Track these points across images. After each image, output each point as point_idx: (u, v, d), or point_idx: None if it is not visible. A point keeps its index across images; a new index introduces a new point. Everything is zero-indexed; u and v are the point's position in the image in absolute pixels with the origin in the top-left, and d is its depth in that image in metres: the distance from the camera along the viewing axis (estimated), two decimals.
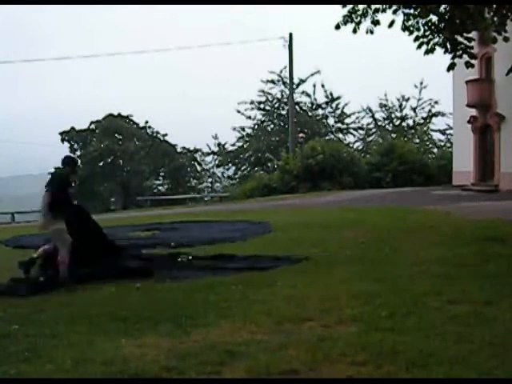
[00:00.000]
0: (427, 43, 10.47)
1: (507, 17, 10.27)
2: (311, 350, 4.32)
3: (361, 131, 42.38)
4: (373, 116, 42.12)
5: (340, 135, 41.86)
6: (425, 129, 39.00)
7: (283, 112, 40.28)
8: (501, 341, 4.41)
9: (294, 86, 37.02)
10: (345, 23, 10.29)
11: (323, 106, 41.51)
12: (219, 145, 42.59)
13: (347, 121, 41.99)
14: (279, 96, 40.64)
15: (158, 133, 43.06)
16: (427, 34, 10.39)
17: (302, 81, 39.97)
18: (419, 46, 10.48)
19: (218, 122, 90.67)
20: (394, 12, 10.21)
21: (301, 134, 31.89)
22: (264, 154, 38.25)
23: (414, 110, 41.46)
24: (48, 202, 6.74)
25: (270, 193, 26.62)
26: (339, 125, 41.93)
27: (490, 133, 23.08)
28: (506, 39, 10.75)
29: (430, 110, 40.91)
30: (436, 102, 40.40)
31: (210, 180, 45.50)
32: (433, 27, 10.35)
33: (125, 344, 4.68)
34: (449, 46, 10.48)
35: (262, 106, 40.86)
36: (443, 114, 39.67)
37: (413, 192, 22.21)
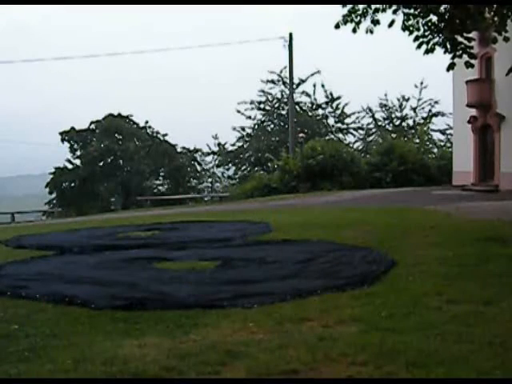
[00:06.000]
0: (427, 43, 10.47)
1: (507, 17, 10.27)
2: (311, 350, 4.32)
3: (361, 131, 42.37)
4: (373, 116, 42.12)
5: (340, 135, 41.82)
6: (425, 129, 38.95)
7: (283, 112, 40.25)
8: (501, 341, 4.41)
9: (294, 86, 36.99)
10: (344, 23, 10.29)
11: (323, 105, 41.48)
12: (219, 145, 42.60)
13: (347, 121, 41.98)
14: (279, 96, 40.63)
15: (158, 133, 43.00)
16: (427, 33, 10.39)
17: (302, 81, 39.97)
18: (419, 46, 10.47)
19: (218, 121, 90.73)
20: (394, 12, 10.21)
21: (301, 134, 31.85)
22: (264, 154, 38.21)
23: (414, 109, 41.47)
24: None
25: (270, 193, 26.58)
26: (339, 125, 41.89)
27: (490, 133, 23.07)
28: (506, 39, 10.75)
29: (430, 110, 40.93)
30: (436, 102, 40.45)
31: (210, 180, 45.49)
32: (433, 27, 10.35)
33: (125, 344, 4.68)
34: (449, 46, 10.48)
35: (262, 105, 40.83)
36: (443, 114, 39.70)
37: (413, 192, 22.19)
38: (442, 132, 40.00)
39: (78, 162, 40.72)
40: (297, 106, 38.91)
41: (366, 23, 10.23)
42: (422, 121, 41.07)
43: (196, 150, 43.60)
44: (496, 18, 10.37)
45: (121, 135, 40.80)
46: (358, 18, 10.18)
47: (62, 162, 40.39)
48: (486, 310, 5.34)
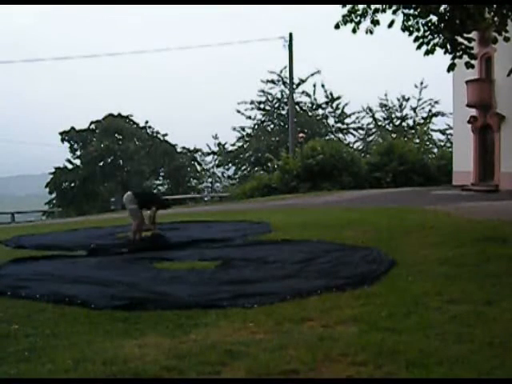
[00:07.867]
0: (427, 44, 10.45)
1: (507, 17, 10.27)
2: (311, 350, 4.32)
3: (361, 131, 42.44)
4: (373, 116, 42.16)
5: (340, 135, 41.90)
6: (425, 129, 38.99)
7: (283, 112, 40.29)
8: (501, 341, 4.41)
9: (294, 86, 37.01)
10: (344, 23, 10.27)
11: (323, 105, 41.54)
12: (219, 145, 42.66)
13: (347, 121, 42.06)
14: (279, 96, 40.69)
15: (158, 133, 43.09)
16: (427, 34, 10.37)
17: (302, 81, 40.02)
18: (419, 47, 10.46)
19: (218, 121, 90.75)
20: (394, 12, 10.19)
21: (301, 134, 31.87)
22: (264, 154, 38.23)
23: (414, 109, 41.52)
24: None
25: (270, 193, 26.59)
26: (339, 125, 41.95)
27: (490, 133, 23.07)
28: (506, 39, 10.74)
29: (430, 110, 41.00)
30: (436, 102, 40.53)
31: (210, 180, 45.56)
32: (433, 27, 10.33)
33: (125, 344, 4.68)
34: (449, 47, 10.47)
35: (262, 105, 40.89)
36: (443, 114, 39.75)
37: (413, 192, 22.19)
38: (442, 132, 40.07)
39: (78, 161, 40.79)
40: (297, 106, 38.94)
41: (366, 23, 10.21)
42: (422, 121, 41.13)
43: (196, 150, 43.66)
44: (496, 18, 10.36)
45: (121, 135, 40.85)
46: (358, 18, 10.15)
47: (62, 162, 40.52)
48: (486, 310, 5.34)
